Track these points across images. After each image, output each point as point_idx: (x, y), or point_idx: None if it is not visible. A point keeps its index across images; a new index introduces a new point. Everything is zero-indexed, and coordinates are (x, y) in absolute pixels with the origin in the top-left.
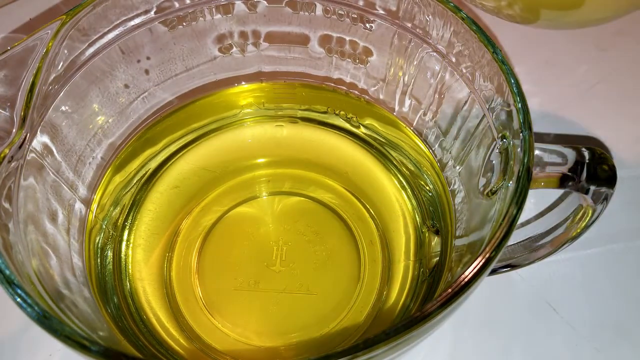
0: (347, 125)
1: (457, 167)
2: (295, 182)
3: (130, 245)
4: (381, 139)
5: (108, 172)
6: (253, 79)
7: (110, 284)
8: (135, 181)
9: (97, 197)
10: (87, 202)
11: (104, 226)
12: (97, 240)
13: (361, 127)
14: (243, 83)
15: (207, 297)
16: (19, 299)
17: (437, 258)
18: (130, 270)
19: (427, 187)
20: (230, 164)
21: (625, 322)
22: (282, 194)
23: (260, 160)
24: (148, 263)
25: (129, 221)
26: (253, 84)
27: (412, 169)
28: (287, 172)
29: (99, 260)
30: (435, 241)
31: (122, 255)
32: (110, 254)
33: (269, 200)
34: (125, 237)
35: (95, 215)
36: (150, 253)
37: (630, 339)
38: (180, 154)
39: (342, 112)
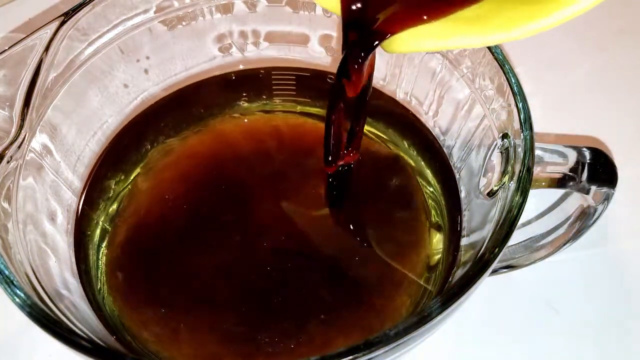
0: None
1: (458, 167)
2: (295, 178)
3: (128, 242)
4: (383, 136)
5: (106, 170)
6: (252, 76)
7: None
8: (132, 178)
9: (95, 195)
10: (86, 201)
11: (101, 224)
12: (95, 239)
13: None
14: (241, 68)
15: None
16: (18, 300)
17: (439, 256)
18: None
19: (429, 183)
20: (229, 159)
21: (625, 322)
22: (282, 191)
23: (259, 156)
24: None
25: (126, 218)
26: (252, 81)
27: (414, 165)
28: (287, 167)
29: (95, 257)
30: (437, 238)
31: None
32: (107, 251)
33: (268, 197)
34: (123, 234)
35: (93, 214)
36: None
37: (630, 339)
38: (178, 150)
39: None
